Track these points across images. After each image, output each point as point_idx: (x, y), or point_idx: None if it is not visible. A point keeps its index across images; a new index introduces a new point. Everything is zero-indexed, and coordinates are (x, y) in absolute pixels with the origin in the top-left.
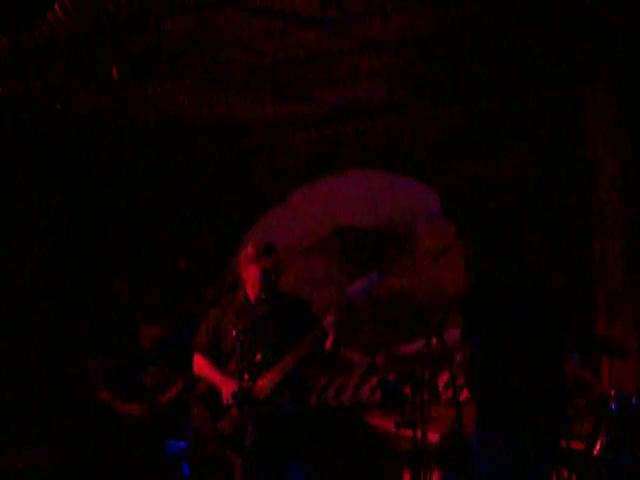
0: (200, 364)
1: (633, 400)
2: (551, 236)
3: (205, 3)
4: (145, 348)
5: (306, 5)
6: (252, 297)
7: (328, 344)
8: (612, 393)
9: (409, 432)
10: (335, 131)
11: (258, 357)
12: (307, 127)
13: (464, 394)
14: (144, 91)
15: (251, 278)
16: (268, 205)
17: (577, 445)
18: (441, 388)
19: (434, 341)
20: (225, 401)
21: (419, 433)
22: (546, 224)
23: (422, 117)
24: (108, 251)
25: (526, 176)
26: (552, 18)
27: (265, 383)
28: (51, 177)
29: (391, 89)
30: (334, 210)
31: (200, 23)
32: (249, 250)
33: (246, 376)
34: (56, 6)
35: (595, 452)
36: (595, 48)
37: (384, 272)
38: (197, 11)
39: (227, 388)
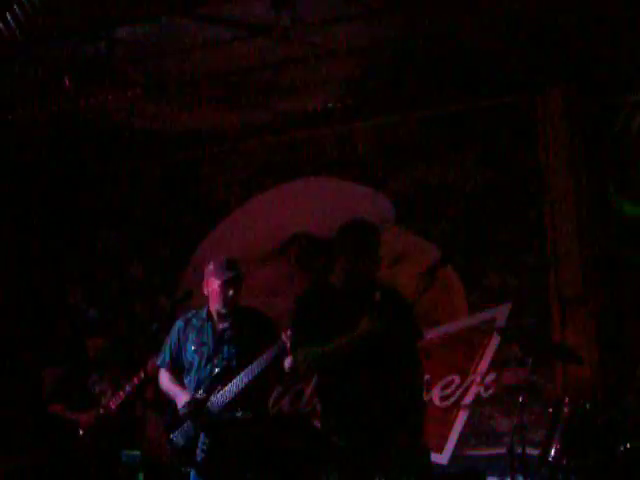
0: (163, 379)
1: (587, 405)
2: (504, 242)
3: (157, 11)
4: (91, 358)
5: (259, 13)
6: (213, 311)
7: (287, 362)
8: (566, 399)
9: None
10: (288, 139)
11: (214, 371)
12: (260, 135)
13: None
14: (96, 100)
15: (212, 293)
16: (222, 214)
17: (532, 451)
18: None
19: None
20: (180, 413)
21: None
22: (499, 230)
23: (375, 124)
24: (62, 259)
25: (478, 183)
26: (505, 26)
27: (219, 396)
28: (4, 188)
29: (344, 96)
30: (289, 218)
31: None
32: (210, 265)
33: (201, 389)
34: (7, 15)
35: (550, 458)
36: (547, 55)
37: None
38: (149, 19)
39: (181, 400)
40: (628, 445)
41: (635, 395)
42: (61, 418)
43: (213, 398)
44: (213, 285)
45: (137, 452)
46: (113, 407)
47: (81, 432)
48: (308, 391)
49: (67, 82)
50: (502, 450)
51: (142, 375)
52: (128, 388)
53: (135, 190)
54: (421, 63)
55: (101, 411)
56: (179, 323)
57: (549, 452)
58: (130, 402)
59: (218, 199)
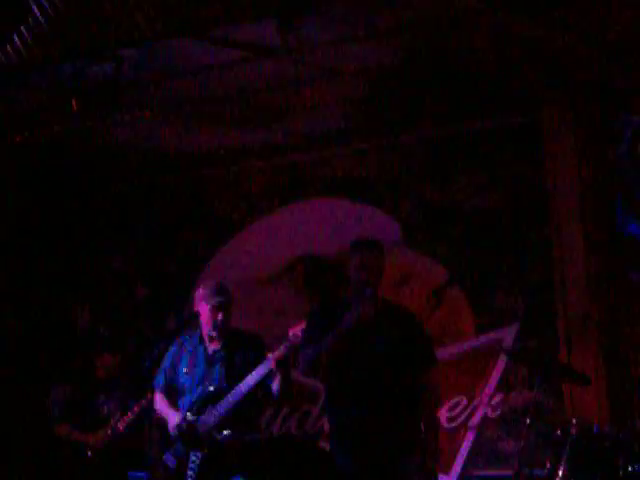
0: (158, 402)
1: (594, 427)
2: (511, 264)
3: (165, 33)
4: (99, 377)
5: (265, 34)
6: (205, 334)
7: (276, 384)
8: (573, 420)
9: None
10: (295, 160)
11: (206, 392)
12: (267, 156)
13: None
14: (104, 121)
15: (203, 316)
16: (229, 234)
17: (539, 472)
18: None
19: None
20: (171, 434)
21: None
22: (506, 252)
23: (382, 146)
24: (69, 279)
25: (484, 203)
26: (511, 46)
27: (209, 417)
28: (11, 206)
29: (350, 118)
30: (295, 240)
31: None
32: (200, 290)
33: (192, 411)
34: (15, 37)
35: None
36: (552, 75)
37: None
38: (155, 40)
39: (172, 421)
40: (636, 467)
41: None
42: (68, 439)
43: (202, 418)
44: (203, 309)
45: (143, 473)
46: (121, 428)
47: (89, 453)
48: (315, 412)
49: (74, 104)
50: (509, 472)
51: (149, 396)
52: (136, 409)
53: (142, 210)
54: (427, 84)
55: (109, 432)
56: (173, 347)
57: (556, 474)
58: (138, 423)
59: (225, 219)
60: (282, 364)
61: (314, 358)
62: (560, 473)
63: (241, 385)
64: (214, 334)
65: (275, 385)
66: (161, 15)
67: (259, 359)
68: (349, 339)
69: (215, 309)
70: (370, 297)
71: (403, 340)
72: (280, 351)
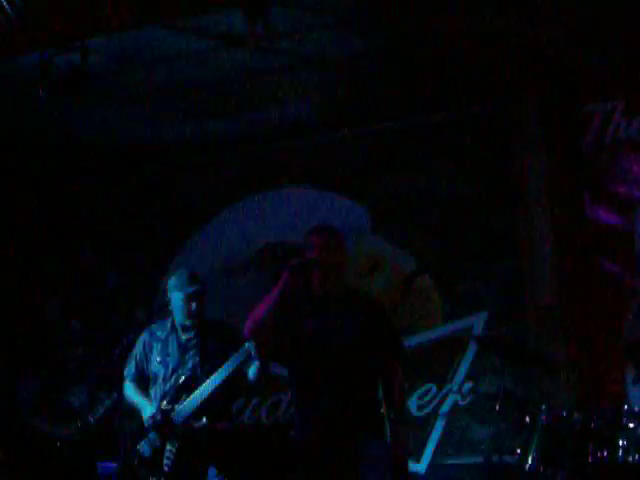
0: (129, 391)
1: (563, 414)
2: (480, 253)
3: (131, 22)
4: (70, 369)
5: (234, 24)
6: (177, 323)
7: (252, 372)
8: (543, 407)
9: None
10: (264, 149)
11: (179, 381)
12: (236, 145)
13: None
14: (71, 110)
15: (176, 306)
16: (199, 224)
17: (509, 459)
18: None
19: None
20: (145, 424)
21: None
22: (475, 241)
23: (351, 134)
24: (40, 270)
25: (454, 192)
26: (480, 36)
27: (184, 406)
28: None
29: (319, 107)
30: (265, 228)
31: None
32: (173, 279)
33: (166, 400)
34: None
35: (527, 466)
36: (521, 65)
37: None
38: (123, 29)
39: (147, 411)
40: (605, 452)
41: (612, 402)
42: (39, 431)
43: (178, 408)
44: (176, 298)
45: (113, 464)
46: (92, 420)
47: (59, 445)
48: (286, 400)
49: (41, 94)
50: (479, 459)
51: (120, 386)
52: (107, 400)
53: (110, 201)
54: (396, 73)
55: (80, 424)
56: (144, 335)
57: (526, 460)
58: (109, 414)
59: (194, 209)
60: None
61: (258, 320)
62: (530, 459)
63: (216, 374)
64: (188, 323)
65: (252, 372)
66: (129, 4)
67: (233, 347)
68: (317, 327)
69: (189, 298)
70: (296, 266)
71: (369, 328)
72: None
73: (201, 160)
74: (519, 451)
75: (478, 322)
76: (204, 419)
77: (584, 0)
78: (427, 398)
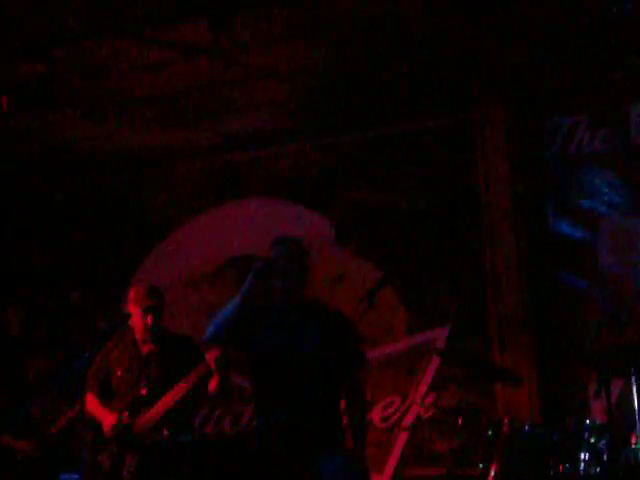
0: (90, 403)
1: (526, 427)
2: (444, 265)
3: (93, 32)
4: (31, 381)
5: (197, 35)
6: (137, 337)
7: (212, 385)
8: (505, 420)
9: None
10: (229, 160)
11: (140, 394)
12: (201, 156)
13: None
14: (33, 121)
15: (135, 318)
16: (162, 235)
17: (471, 472)
18: None
19: None
20: (106, 436)
21: None
22: (439, 253)
23: (316, 146)
24: (1, 282)
25: (418, 204)
26: (445, 48)
27: (145, 419)
28: None
29: (285, 118)
30: (229, 239)
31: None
32: (132, 292)
33: (127, 412)
34: None
35: (489, 479)
36: (486, 77)
37: None
38: (88, 39)
39: (107, 423)
40: (567, 466)
41: (574, 416)
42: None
43: (139, 420)
44: (135, 312)
45: (76, 476)
46: (53, 432)
47: (20, 458)
48: (249, 412)
49: (4, 102)
50: (442, 471)
51: (82, 399)
52: (69, 412)
53: (73, 211)
54: (360, 85)
55: (41, 436)
56: (105, 348)
57: (488, 474)
58: (71, 426)
59: (158, 220)
60: (221, 364)
61: (220, 324)
62: (492, 473)
63: (179, 387)
64: (144, 337)
65: (212, 385)
66: (94, 15)
67: (194, 360)
68: (278, 338)
69: (145, 313)
70: (260, 269)
71: (332, 340)
72: (218, 351)
73: (164, 171)
74: (481, 464)
75: (441, 334)
76: (165, 431)
77: (550, 16)
78: (390, 410)
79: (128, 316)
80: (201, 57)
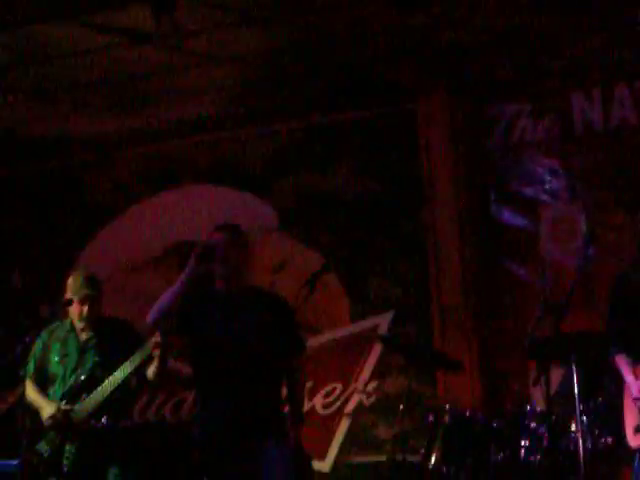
0: (29, 390)
1: (466, 414)
2: (387, 252)
3: (36, 16)
4: None
5: (139, 20)
6: (75, 323)
7: (151, 370)
8: (446, 407)
9: None
10: (171, 146)
11: (79, 381)
12: (143, 142)
13: None
14: None
15: (72, 307)
16: (105, 221)
17: (413, 458)
18: None
19: None
20: (45, 423)
21: None
22: (382, 240)
23: (259, 132)
24: None
25: (362, 191)
26: (387, 37)
27: (84, 406)
28: None
29: (228, 104)
30: (172, 226)
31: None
32: (70, 280)
33: (66, 399)
34: None
35: (430, 465)
36: (427, 65)
37: None
38: (28, 24)
39: (46, 411)
40: (507, 452)
41: (514, 402)
42: None
43: (77, 407)
44: (71, 299)
45: (14, 461)
46: None
47: None
48: (190, 399)
49: None
50: (383, 458)
51: (22, 385)
52: (10, 398)
53: (15, 196)
54: (303, 71)
55: None
56: (43, 335)
57: (429, 460)
58: (11, 412)
59: (100, 205)
60: (160, 349)
61: (162, 308)
62: (433, 459)
63: (116, 373)
64: (81, 325)
65: (150, 371)
66: (37, 0)
67: (133, 346)
68: (218, 325)
69: (81, 301)
70: (201, 253)
71: (273, 326)
72: (158, 337)
73: (106, 157)
74: (423, 450)
75: (384, 321)
76: (104, 418)
77: (491, 4)
78: (332, 397)
79: (69, 302)
80: (144, 43)
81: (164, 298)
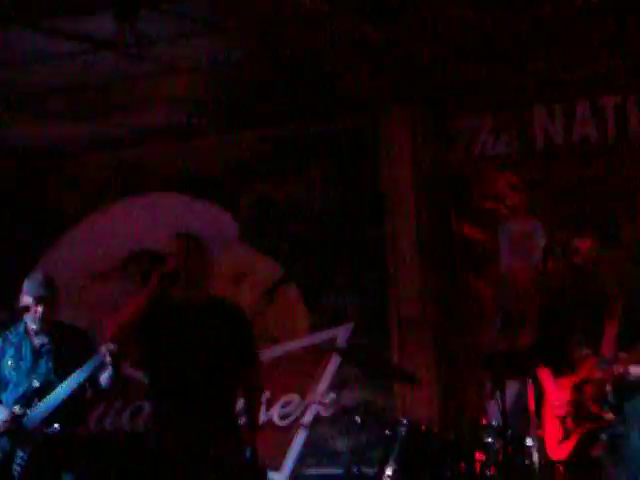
0: None
1: (423, 427)
2: (347, 264)
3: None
4: None
5: (104, 28)
6: (30, 327)
7: (105, 377)
8: (403, 420)
9: None
10: (133, 154)
11: (33, 386)
12: (104, 150)
13: None
14: None
15: (28, 310)
16: (64, 228)
17: (369, 471)
18: None
19: None
20: None
21: None
22: (342, 252)
23: (221, 141)
24: None
25: (322, 202)
26: (353, 50)
27: (37, 412)
28: None
29: (190, 113)
30: (131, 234)
31: None
32: (25, 282)
33: (19, 405)
34: None
35: (385, 478)
36: (390, 78)
37: None
38: None
39: None
40: (463, 466)
41: (470, 417)
42: None
43: (30, 413)
44: (27, 302)
45: None
46: None
47: None
48: (148, 407)
49: None
50: (339, 470)
51: None
52: None
53: None
54: (269, 82)
55: None
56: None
57: (385, 472)
58: None
59: (60, 212)
60: (114, 357)
61: (122, 325)
62: (388, 472)
63: (70, 379)
64: (36, 328)
65: (104, 378)
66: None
67: (88, 353)
68: (173, 335)
69: (36, 303)
70: (165, 276)
71: (230, 337)
72: (110, 345)
73: (68, 164)
74: (378, 463)
75: (342, 333)
76: (57, 425)
77: (454, 19)
78: (289, 408)
79: (26, 307)
80: (107, 50)
81: (124, 314)
